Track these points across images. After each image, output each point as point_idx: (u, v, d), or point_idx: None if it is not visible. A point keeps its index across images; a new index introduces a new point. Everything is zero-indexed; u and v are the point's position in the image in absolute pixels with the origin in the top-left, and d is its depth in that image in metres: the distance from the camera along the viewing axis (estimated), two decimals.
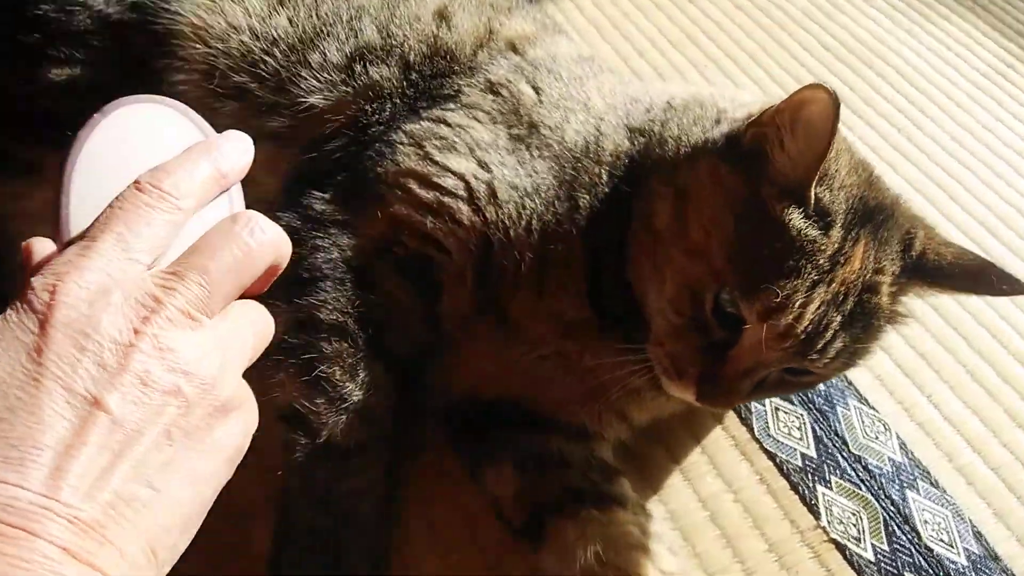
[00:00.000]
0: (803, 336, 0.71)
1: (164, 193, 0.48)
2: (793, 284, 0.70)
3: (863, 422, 1.05)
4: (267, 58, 0.89)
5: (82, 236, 0.46)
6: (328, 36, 0.90)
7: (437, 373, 0.91)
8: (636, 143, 0.85)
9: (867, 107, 1.54)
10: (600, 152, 0.84)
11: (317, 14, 0.91)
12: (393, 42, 0.91)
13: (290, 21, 0.90)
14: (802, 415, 1.04)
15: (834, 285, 0.71)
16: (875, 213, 0.75)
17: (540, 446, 0.90)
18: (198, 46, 0.88)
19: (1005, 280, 0.77)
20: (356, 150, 0.88)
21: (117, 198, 0.47)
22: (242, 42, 0.89)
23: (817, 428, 1.03)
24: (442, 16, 0.95)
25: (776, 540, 0.94)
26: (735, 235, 0.72)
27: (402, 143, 0.85)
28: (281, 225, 0.73)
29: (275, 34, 0.89)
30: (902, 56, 1.66)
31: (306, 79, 0.88)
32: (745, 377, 0.75)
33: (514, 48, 0.96)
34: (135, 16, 0.88)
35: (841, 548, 0.93)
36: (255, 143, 0.57)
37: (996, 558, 0.95)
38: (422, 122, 0.87)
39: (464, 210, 0.82)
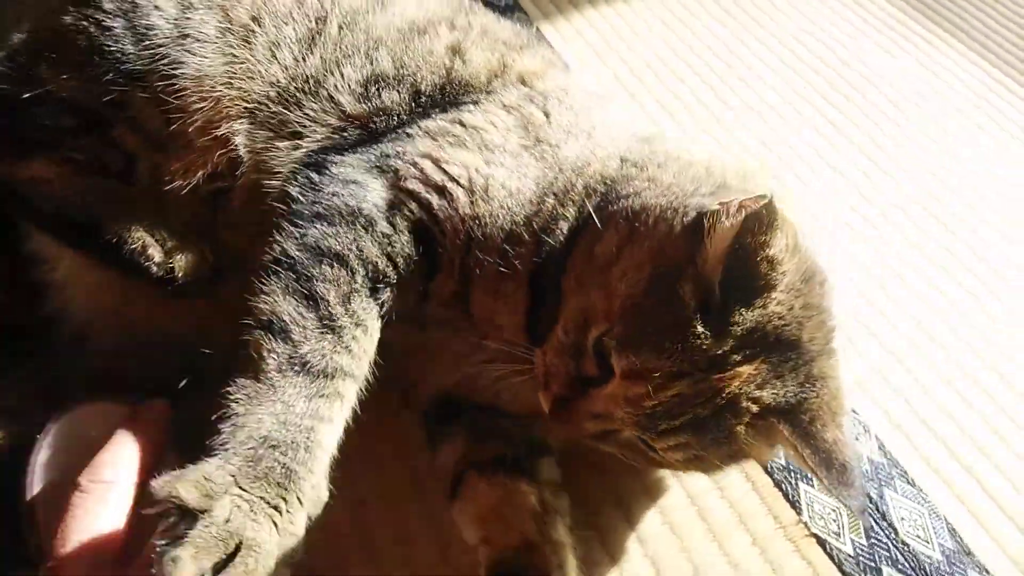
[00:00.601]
0: (649, 412, 0.74)
1: None
2: (660, 363, 0.72)
3: None
4: (295, 91, 0.95)
5: None
6: (347, 64, 0.97)
7: (414, 367, 0.98)
8: (623, 170, 0.90)
9: (854, 127, 1.60)
10: (584, 168, 0.90)
11: (340, 47, 0.98)
12: (405, 72, 0.98)
13: (322, 60, 0.97)
14: None
15: (701, 386, 0.72)
16: (788, 348, 0.74)
17: (489, 422, 0.96)
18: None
19: (843, 486, 0.73)
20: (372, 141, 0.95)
21: None
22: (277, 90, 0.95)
23: None
24: (455, 51, 1.02)
25: (760, 535, 0.99)
26: (644, 291, 0.74)
27: (419, 135, 0.93)
28: (299, 180, 0.87)
29: (307, 72, 0.96)
30: (886, 79, 1.73)
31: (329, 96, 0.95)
32: (594, 419, 0.80)
33: (523, 81, 1.03)
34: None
35: (822, 542, 0.98)
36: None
37: (969, 553, 1.00)
38: (439, 121, 0.94)
39: (462, 199, 0.87)
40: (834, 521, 1.00)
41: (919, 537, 1.00)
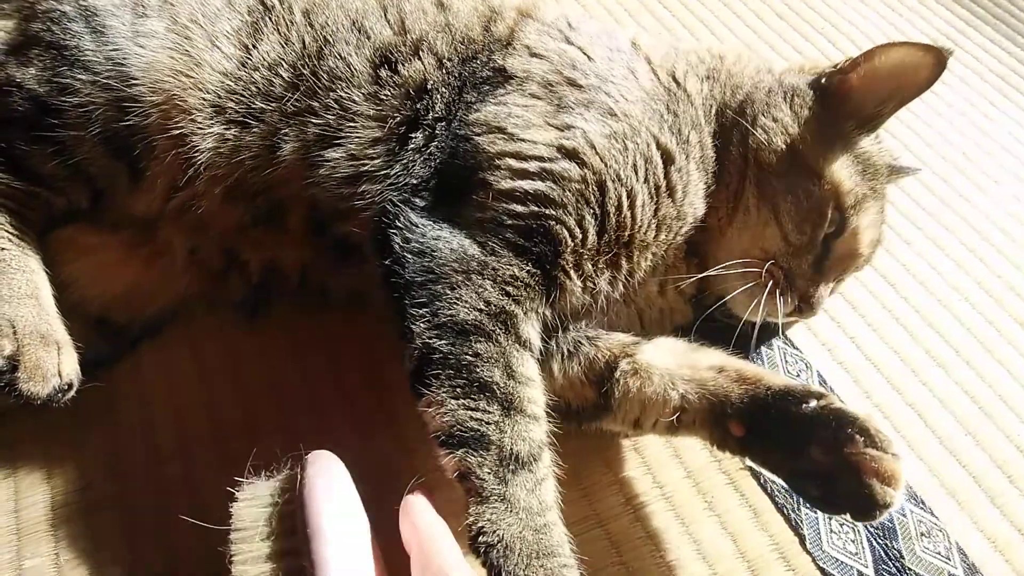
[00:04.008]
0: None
1: None
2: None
3: (786, 360, 1.10)
4: (275, 80, 0.93)
5: None
6: (335, 44, 0.94)
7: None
8: (715, 88, 0.97)
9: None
10: (686, 90, 0.95)
11: (312, 27, 0.95)
12: (414, 36, 0.95)
13: (283, 43, 0.94)
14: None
15: None
16: None
17: (573, 333, 0.95)
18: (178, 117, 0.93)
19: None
20: (433, 150, 0.91)
21: None
22: (235, 80, 0.93)
23: None
24: (440, 5, 1.00)
25: (695, 467, 0.99)
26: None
27: (478, 135, 0.90)
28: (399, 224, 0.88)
29: (269, 59, 0.93)
30: (854, 23, 1.71)
31: (341, 93, 0.92)
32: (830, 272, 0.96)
33: (526, 14, 1.01)
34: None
35: (755, 475, 0.98)
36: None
37: (907, 485, 0.99)
38: (486, 111, 0.91)
39: (569, 167, 0.86)
40: None
41: None
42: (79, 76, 0.91)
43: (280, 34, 0.95)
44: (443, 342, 0.80)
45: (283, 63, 0.94)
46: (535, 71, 0.93)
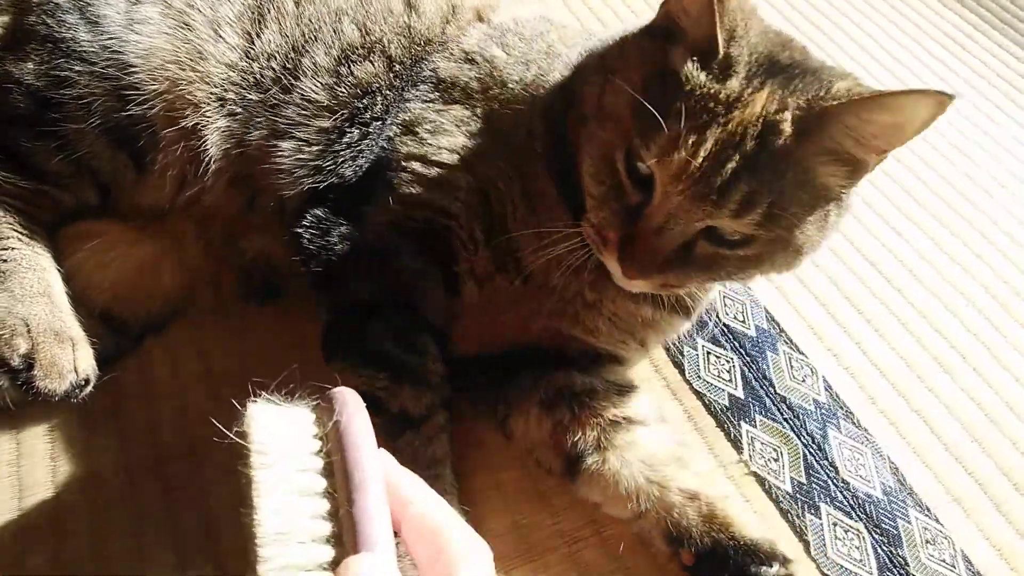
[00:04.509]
0: (699, 175, 0.72)
1: None
2: (686, 124, 0.72)
3: (791, 366, 1.10)
4: (266, 72, 0.95)
5: None
6: (316, 41, 0.96)
7: (460, 334, 0.97)
8: (580, 58, 0.92)
9: None
10: (546, 81, 0.92)
11: (301, 22, 0.97)
12: (372, 38, 0.97)
13: (283, 36, 0.96)
14: (732, 359, 1.09)
15: (731, 126, 0.72)
16: (788, 68, 0.75)
17: (560, 382, 0.94)
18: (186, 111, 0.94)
19: None
20: (364, 146, 0.95)
21: None
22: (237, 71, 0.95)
23: (747, 371, 1.08)
24: (409, 4, 1.01)
25: (701, 473, 0.98)
26: (642, 93, 0.74)
27: (399, 135, 0.93)
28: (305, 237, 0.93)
29: (268, 50, 0.96)
30: (860, 25, 1.70)
31: (303, 86, 0.95)
32: (661, 234, 0.76)
33: (480, 17, 1.02)
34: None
35: (761, 480, 0.98)
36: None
37: (911, 492, 0.99)
38: (412, 110, 0.94)
39: (461, 177, 0.90)
40: (774, 460, 1.00)
41: (860, 476, 1.00)
42: (76, 67, 0.91)
43: (279, 24, 0.96)
44: (348, 320, 0.91)
45: (277, 55, 0.95)
46: (460, 76, 0.95)
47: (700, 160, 0.71)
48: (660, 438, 0.92)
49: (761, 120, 0.72)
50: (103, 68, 0.91)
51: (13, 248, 0.91)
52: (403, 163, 0.92)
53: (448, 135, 0.92)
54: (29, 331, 0.85)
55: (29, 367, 0.83)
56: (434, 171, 0.91)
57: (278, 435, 0.57)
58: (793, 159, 0.72)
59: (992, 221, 1.35)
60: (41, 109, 0.92)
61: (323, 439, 0.58)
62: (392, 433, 0.84)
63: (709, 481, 0.89)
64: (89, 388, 0.88)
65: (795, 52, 0.79)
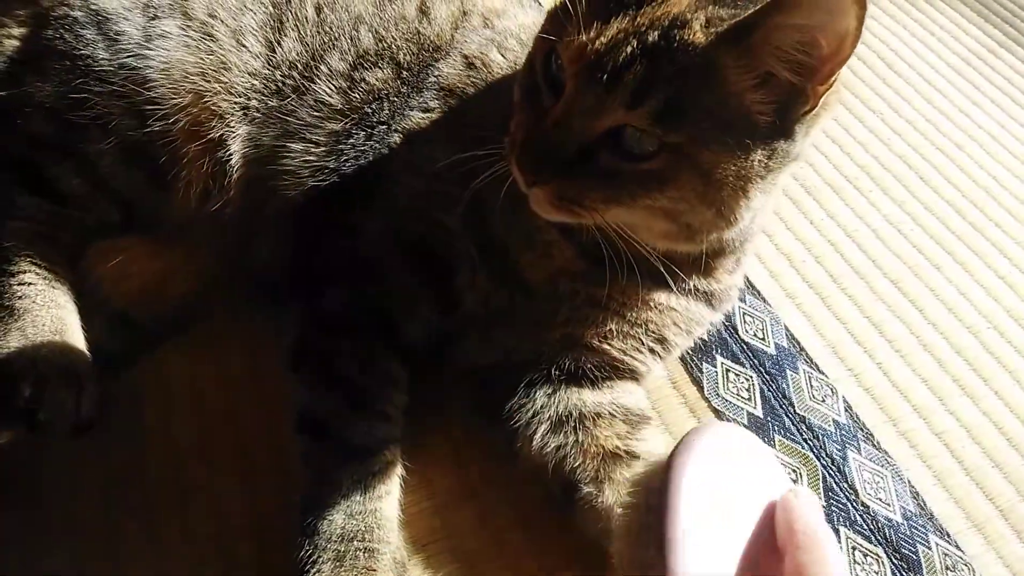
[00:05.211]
0: (596, 58, 0.69)
1: None
2: (593, 10, 0.69)
3: (811, 385, 1.09)
4: (287, 80, 0.95)
5: None
6: (334, 47, 0.96)
7: (464, 352, 0.95)
8: None
9: (845, 90, 1.56)
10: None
11: (322, 29, 0.97)
12: (384, 45, 0.97)
13: (304, 44, 0.96)
14: (751, 377, 1.08)
15: (640, 19, 0.68)
16: None
17: (571, 400, 0.91)
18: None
19: None
20: (367, 147, 0.94)
21: None
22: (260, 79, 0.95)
23: (766, 390, 1.07)
24: (422, 11, 1.01)
25: None
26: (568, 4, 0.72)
27: (398, 143, 0.93)
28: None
29: (289, 59, 0.96)
30: (885, 42, 1.69)
31: (318, 89, 0.95)
32: (559, 128, 0.71)
33: (486, 22, 1.02)
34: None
35: None
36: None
37: (931, 517, 0.98)
38: (412, 118, 0.93)
39: (455, 189, 0.86)
40: (794, 481, 0.99)
41: (880, 499, 0.99)
42: (95, 88, 0.91)
43: (299, 31, 0.97)
44: (317, 334, 0.89)
45: (298, 63, 0.95)
46: (459, 83, 0.94)
47: (599, 43, 0.68)
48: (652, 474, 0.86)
49: (671, 17, 0.68)
50: (121, 85, 0.91)
51: (30, 283, 0.91)
52: (400, 172, 0.91)
53: (441, 145, 0.90)
54: (37, 373, 0.85)
55: (33, 412, 0.83)
56: (429, 183, 0.89)
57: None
58: (698, 53, 0.67)
59: (1017, 243, 1.33)
60: (62, 131, 0.92)
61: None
62: (335, 462, 0.82)
63: None
64: (90, 430, 0.88)
65: None
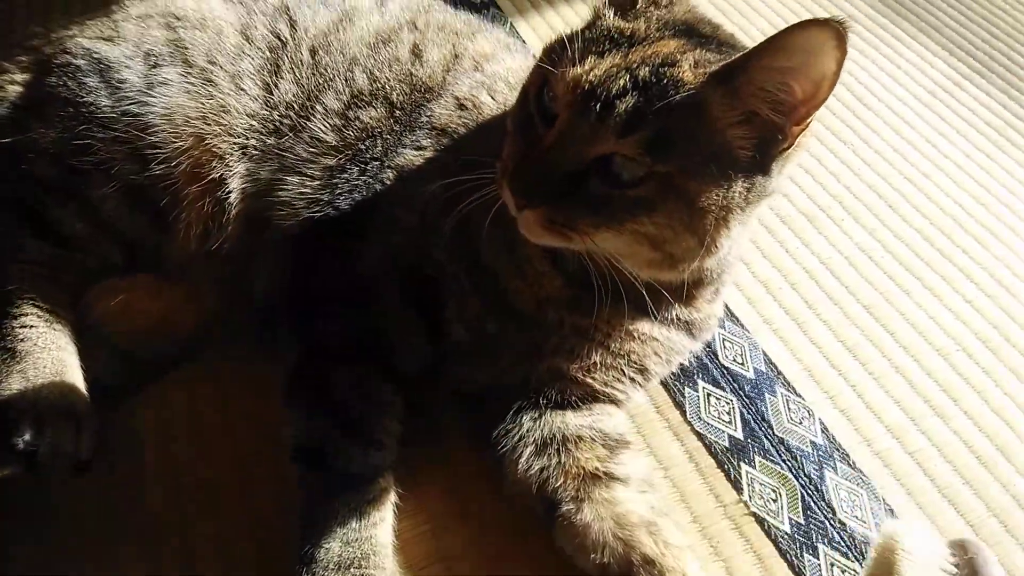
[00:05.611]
0: (589, 88, 0.73)
1: None
2: (588, 46, 0.76)
3: (789, 408, 1.13)
4: (284, 121, 1.00)
5: None
6: (329, 88, 1.01)
7: (455, 378, 0.98)
8: None
9: (816, 123, 1.62)
10: None
11: (317, 71, 1.02)
12: (378, 85, 1.02)
13: (299, 86, 1.01)
14: (732, 400, 1.13)
15: (631, 56, 0.74)
16: (705, 37, 0.79)
17: (554, 424, 0.95)
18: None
19: None
20: (360, 182, 0.98)
21: None
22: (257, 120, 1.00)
23: (746, 413, 1.12)
24: (415, 53, 1.06)
25: (701, 513, 1.01)
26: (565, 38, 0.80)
27: (390, 178, 0.97)
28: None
29: (286, 100, 1.00)
30: (854, 75, 1.76)
31: (314, 127, 0.99)
32: (551, 154, 0.75)
33: (476, 66, 1.07)
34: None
35: (760, 521, 1.01)
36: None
37: None
38: (405, 155, 0.98)
39: (445, 223, 0.90)
40: (773, 501, 1.03)
41: (857, 517, 1.03)
42: (97, 135, 0.95)
43: (294, 73, 1.01)
44: (312, 358, 0.92)
45: (294, 105, 1.00)
46: (451, 123, 0.99)
47: (593, 75, 0.74)
48: (637, 501, 0.90)
49: (661, 56, 0.74)
50: (124, 131, 0.94)
51: (31, 326, 0.93)
52: (393, 207, 0.95)
53: (434, 182, 0.93)
54: (37, 415, 0.87)
55: (32, 454, 0.86)
56: (420, 218, 0.93)
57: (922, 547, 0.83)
58: (688, 90, 0.72)
59: (983, 268, 1.39)
60: (65, 176, 0.95)
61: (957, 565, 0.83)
62: (331, 491, 0.85)
63: (675, 555, 0.86)
64: (89, 471, 0.90)
65: (718, 31, 0.82)
